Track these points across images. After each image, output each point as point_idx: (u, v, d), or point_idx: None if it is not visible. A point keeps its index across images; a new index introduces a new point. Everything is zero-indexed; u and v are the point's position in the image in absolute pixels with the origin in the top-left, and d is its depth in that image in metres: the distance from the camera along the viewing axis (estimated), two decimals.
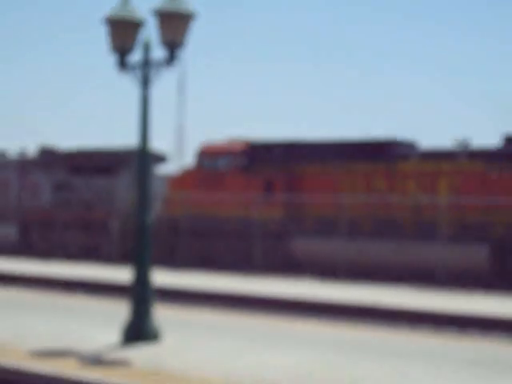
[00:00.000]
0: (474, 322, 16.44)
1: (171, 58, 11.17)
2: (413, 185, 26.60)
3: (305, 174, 28.61)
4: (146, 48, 11.30)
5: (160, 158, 34.91)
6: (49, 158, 35.78)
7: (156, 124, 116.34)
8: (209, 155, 30.48)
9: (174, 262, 29.53)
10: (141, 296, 11.22)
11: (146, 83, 11.33)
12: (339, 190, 27.67)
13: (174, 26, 11.03)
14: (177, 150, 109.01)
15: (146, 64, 11.30)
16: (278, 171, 29.05)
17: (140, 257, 11.32)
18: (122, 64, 11.45)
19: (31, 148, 37.67)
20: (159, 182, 33.98)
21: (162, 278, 21.65)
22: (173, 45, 11.14)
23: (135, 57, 11.34)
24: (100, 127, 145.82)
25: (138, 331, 11.13)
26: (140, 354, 10.32)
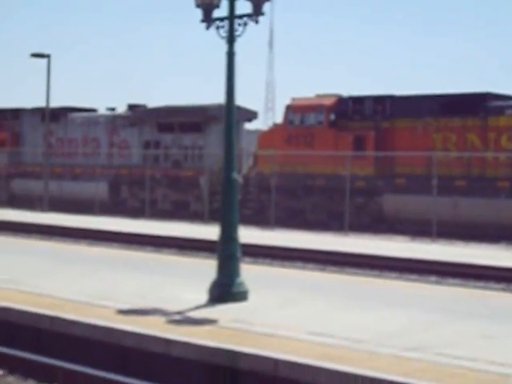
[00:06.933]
0: None
1: (256, 12, 10.93)
2: (507, 139, 25.77)
3: (396, 130, 28.02)
4: (231, 2, 11.07)
5: (251, 115, 34.70)
6: (138, 114, 35.93)
7: (247, 82, 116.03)
8: (297, 110, 30.09)
9: (263, 219, 29.39)
10: (227, 253, 11.08)
11: (231, 38, 11.13)
12: (431, 145, 27.01)
13: None
14: (267, 107, 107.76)
15: (231, 19, 11.08)
16: (369, 127, 28.51)
17: (226, 213, 11.17)
18: (208, 20, 11.26)
19: (122, 106, 37.85)
20: (250, 139, 33.78)
21: (250, 234, 21.57)
22: None
23: (221, 12, 11.17)
24: (193, 86, 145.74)
25: (225, 289, 11.02)
26: (226, 312, 10.23)
